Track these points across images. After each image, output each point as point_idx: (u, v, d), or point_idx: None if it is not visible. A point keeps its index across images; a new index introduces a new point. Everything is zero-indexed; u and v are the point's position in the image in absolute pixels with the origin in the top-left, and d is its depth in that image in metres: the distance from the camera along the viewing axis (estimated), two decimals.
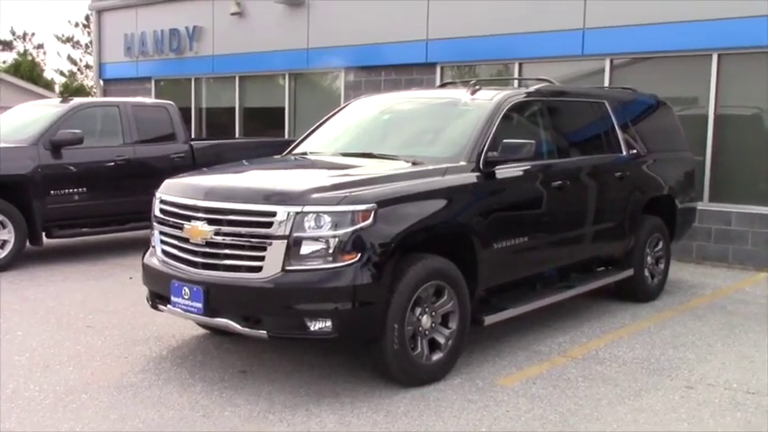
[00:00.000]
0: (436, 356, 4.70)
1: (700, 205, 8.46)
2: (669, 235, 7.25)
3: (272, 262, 4.28)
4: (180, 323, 5.70)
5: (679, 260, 8.84)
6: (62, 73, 42.04)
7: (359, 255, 4.25)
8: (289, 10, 12.79)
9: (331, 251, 4.24)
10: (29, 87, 27.90)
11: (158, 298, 4.86)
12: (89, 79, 38.16)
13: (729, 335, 5.89)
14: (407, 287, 4.43)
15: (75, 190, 8.61)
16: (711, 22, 8.80)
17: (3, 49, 42.39)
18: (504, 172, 5.22)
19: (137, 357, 5.14)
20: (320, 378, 4.75)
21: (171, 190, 4.91)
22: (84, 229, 8.82)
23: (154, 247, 4.98)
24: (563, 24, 9.86)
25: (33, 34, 54.79)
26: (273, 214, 4.29)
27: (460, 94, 5.85)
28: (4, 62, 37.65)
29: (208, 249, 4.51)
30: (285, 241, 4.26)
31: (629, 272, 6.63)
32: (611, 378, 4.84)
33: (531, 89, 5.97)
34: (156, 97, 14.71)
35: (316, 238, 4.26)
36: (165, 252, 4.82)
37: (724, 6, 8.70)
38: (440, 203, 4.70)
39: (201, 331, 5.63)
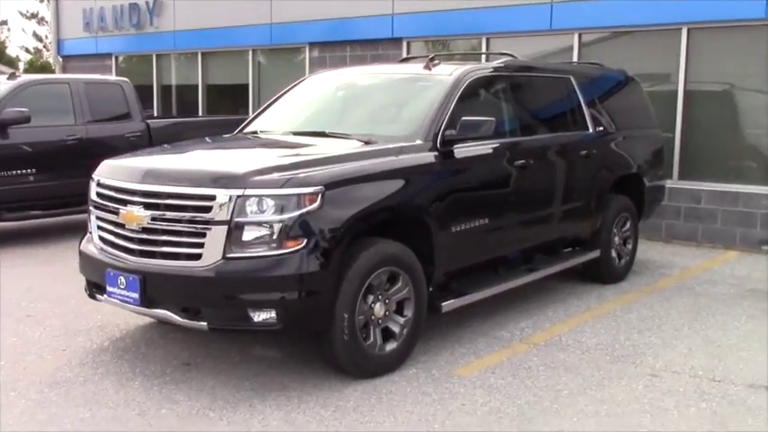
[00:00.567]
0: (390, 346, 4.46)
1: (669, 183, 8.28)
2: (637, 214, 7.06)
3: (212, 249, 4.00)
4: (126, 312, 5.40)
5: (648, 239, 8.68)
6: (27, 50, 41.00)
7: (305, 241, 3.99)
8: None
9: (275, 237, 3.97)
10: None
11: (96, 287, 4.57)
12: None
13: (696, 318, 5.72)
14: (358, 274, 4.18)
15: (24, 171, 8.25)
16: None
17: None
18: (463, 151, 4.97)
19: (76, 350, 4.85)
20: (269, 369, 4.50)
21: (108, 172, 4.61)
22: (34, 212, 8.45)
23: (91, 233, 4.68)
24: None
25: None
26: (213, 198, 4.01)
27: (419, 69, 5.58)
28: None
29: (145, 236, 4.22)
30: (226, 227, 3.98)
31: (596, 253, 6.43)
32: (574, 366, 4.64)
33: (493, 64, 5.70)
34: (117, 74, 14.25)
35: (259, 224, 3.99)
36: (101, 239, 4.53)
37: None
38: (393, 185, 4.45)
39: (148, 320, 5.34)
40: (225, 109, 12.97)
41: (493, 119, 4.85)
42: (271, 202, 3.97)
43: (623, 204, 6.75)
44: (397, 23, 10.85)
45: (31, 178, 8.26)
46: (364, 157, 4.46)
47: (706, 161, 8.80)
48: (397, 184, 4.46)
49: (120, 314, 5.46)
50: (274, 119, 5.73)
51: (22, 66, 35.25)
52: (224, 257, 3.99)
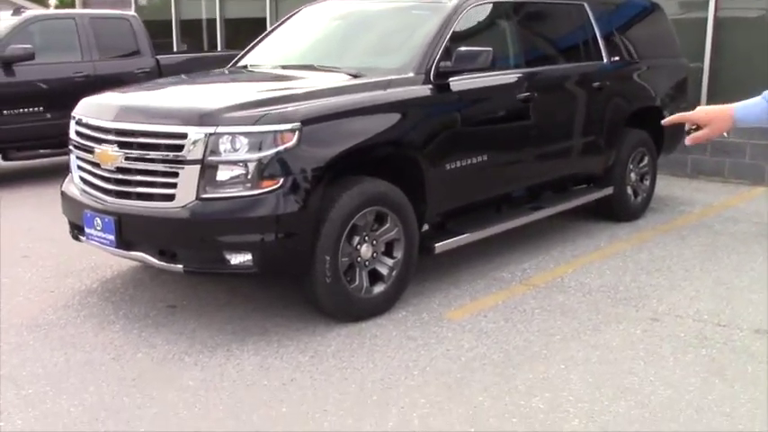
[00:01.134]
0: (378, 289, 4.30)
1: None
2: (657, 149, 6.72)
3: (186, 189, 3.84)
4: None
5: (673, 175, 8.34)
6: None
7: (281, 180, 3.81)
8: None
9: (250, 177, 3.80)
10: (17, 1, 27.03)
11: (77, 229, 4.47)
12: None
13: (711, 258, 5.44)
14: (341, 215, 4.00)
15: (31, 109, 8.16)
16: None
17: None
18: (460, 84, 4.70)
19: (64, 291, 4.79)
20: (253, 312, 4.39)
21: (85, 110, 4.46)
22: (42, 151, 8.40)
23: (72, 173, 4.55)
24: None
25: None
26: (184, 136, 3.83)
27: None
28: None
29: (120, 176, 4.08)
30: (199, 166, 3.81)
31: (609, 190, 6.14)
32: (571, 309, 4.43)
33: None
34: (137, 11, 14.01)
35: (233, 163, 3.81)
36: (81, 179, 4.40)
37: None
38: (378, 121, 4.22)
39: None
40: (244, 44, 12.67)
41: (490, 49, 4.55)
42: (244, 140, 3.78)
43: (640, 139, 6.41)
44: None
45: (39, 116, 8.17)
46: (347, 91, 4.23)
47: (735, 92, 8.22)
48: (382, 119, 4.24)
49: (114, 255, 5.38)
50: (267, 52, 5.49)
51: (53, 2, 35.12)
52: (198, 198, 3.83)
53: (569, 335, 4.07)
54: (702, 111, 2.29)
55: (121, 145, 4.03)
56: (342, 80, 4.44)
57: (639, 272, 5.12)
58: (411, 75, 4.50)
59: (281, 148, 3.80)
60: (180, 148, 3.83)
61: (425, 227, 4.63)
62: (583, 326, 4.20)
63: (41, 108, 8.22)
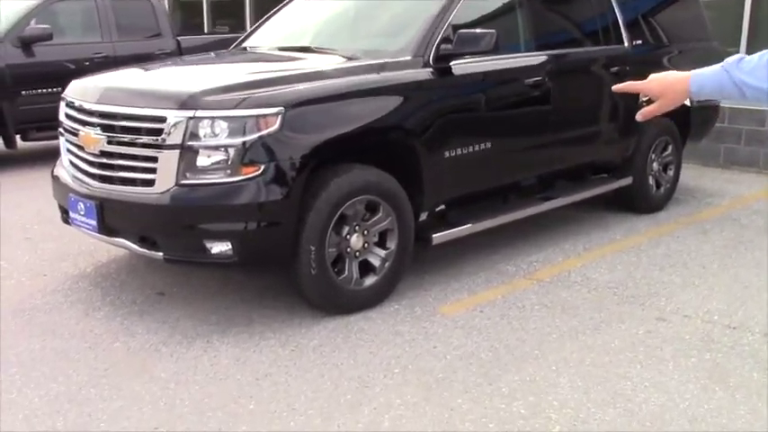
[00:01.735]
0: (369, 281, 4.14)
1: (729, 103, 7.50)
2: (682, 138, 6.40)
3: (165, 175, 3.72)
4: None
5: (705, 165, 7.99)
6: None
7: (262, 167, 3.66)
8: None
9: (230, 163, 3.65)
10: None
11: (66, 212, 4.38)
12: None
13: (731, 253, 5.15)
14: (328, 204, 3.83)
15: (51, 90, 8.11)
16: None
17: None
18: (463, 67, 4.48)
19: (56, 275, 4.72)
20: (242, 302, 4.26)
21: (73, 91, 4.36)
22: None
23: (62, 156, 4.47)
24: None
25: None
26: (163, 120, 3.70)
27: None
28: None
29: (104, 160, 3.97)
30: (178, 151, 3.68)
31: (627, 180, 5.86)
32: (573, 307, 4.21)
33: None
34: None
35: (213, 148, 3.67)
36: (70, 162, 4.31)
37: None
38: (368, 106, 4.03)
39: None
40: None
41: (494, 31, 4.32)
42: (224, 125, 3.64)
43: (663, 127, 6.09)
44: None
45: (58, 97, 8.10)
46: (337, 74, 4.05)
47: None
48: (374, 104, 4.05)
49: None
50: (268, 33, 5.33)
51: None
52: (177, 184, 3.70)
53: (566, 334, 3.86)
54: (655, 80, 1.97)
55: (104, 128, 3.93)
56: (335, 63, 4.26)
57: (652, 267, 4.86)
58: (408, 58, 4.30)
59: (262, 133, 3.64)
60: (159, 132, 3.70)
61: (423, 217, 4.44)
62: (582, 325, 3.98)
63: (60, 89, 8.14)
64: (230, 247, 3.69)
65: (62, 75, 8.15)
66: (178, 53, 8.96)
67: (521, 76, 4.86)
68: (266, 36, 5.30)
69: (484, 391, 3.26)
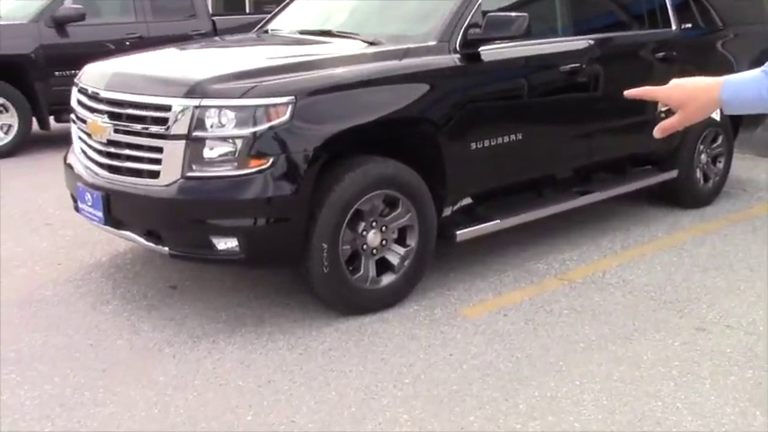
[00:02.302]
0: (387, 279, 3.91)
1: None
2: (734, 128, 6.01)
3: (171, 167, 3.53)
4: None
5: (760, 155, 7.52)
6: None
7: (270, 160, 3.45)
8: None
9: (236, 155, 3.45)
10: None
11: (76, 201, 4.25)
12: None
13: None
14: (341, 199, 3.61)
15: None
16: None
17: None
18: (492, 53, 4.20)
19: (71, 264, 4.61)
20: (255, 298, 4.08)
21: (85, 76, 4.21)
22: None
23: (73, 143, 4.33)
24: None
25: None
26: (168, 108, 3.51)
27: None
28: None
29: (112, 149, 3.81)
30: (184, 142, 3.49)
31: (672, 174, 5.51)
32: (606, 312, 3.93)
33: None
34: None
35: (221, 139, 3.48)
36: (81, 150, 4.16)
37: None
38: (389, 94, 3.79)
39: None
40: None
41: (525, 15, 4.02)
42: (230, 114, 3.43)
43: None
44: None
45: None
46: (354, 61, 3.81)
47: None
48: (393, 93, 3.80)
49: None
50: (293, 15, 5.11)
51: None
52: (183, 176, 3.52)
53: (595, 343, 3.59)
54: (678, 87, 1.59)
55: (111, 116, 3.76)
56: (354, 48, 4.02)
57: (694, 269, 4.53)
58: (433, 43, 4.03)
59: (271, 123, 3.43)
60: (164, 121, 3.52)
61: (447, 212, 4.18)
62: (613, 333, 3.70)
63: None
64: (236, 243, 3.49)
65: (96, 56, 8.04)
66: (213, 33, 8.81)
67: (556, 62, 4.55)
68: (290, 19, 5.08)
69: (499, 408, 3.02)
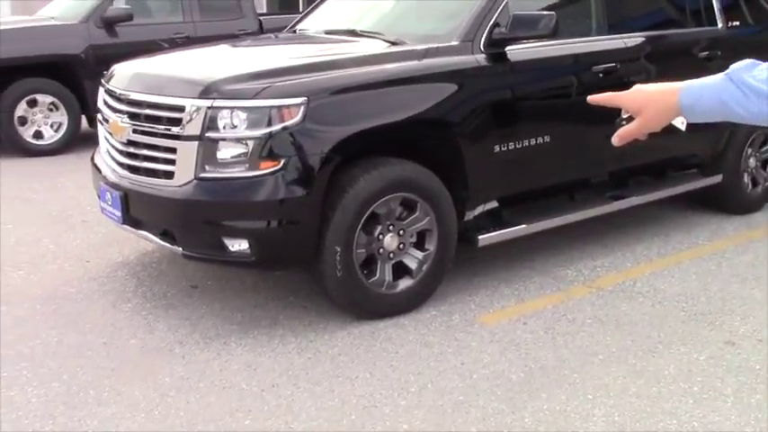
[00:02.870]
0: (404, 284, 3.84)
1: None
2: None
3: (184, 167, 3.53)
4: None
5: None
6: None
7: (282, 162, 3.41)
8: None
9: (248, 156, 3.43)
10: None
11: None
12: None
13: None
14: (356, 201, 3.55)
15: None
16: None
17: None
18: (519, 53, 4.09)
19: (98, 262, 4.67)
20: (272, 299, 4.06)
21: (111, 76, 4.25)
22: None
23: (100, 143, 4.38)
24: None
25: None
26: (182, 109, 3.51)
27: None
28: None
29: (132, 149, 3.84)
30: (197, 142, 3.48)
31: (716, 179, 5.27)
32: (630, 322, 3.77)
33: None
34: None
35: (234, 140, 3.46)
36: (106, 150, 4.21)
37: None
38: (406, 96, 3.71)
39: None
40: None
41: (553, 13, 3.90)
42: (243, 115, 3.41)
43: None
44: None
45: None
46: (372, 61, 3.74)
47: None
48: (411, 94, 3.72)
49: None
50: (322, 14, 5.08)
51: None
52: (196, 177, 3.51)
53: (614, 356, 3.44)
54: (638, 92, 1.49)
55: (131, 116, 3.79)
56: (375, 48, 3.96)
57: (732, 279, 4.33)
58: (455, 43, 3.94)
59: (283, 124, 3.39)
60: (178, 121, 3.52)
61: (469, 216, 4.08)
62: (636, 345, 3.55)
63: None
64: (247, 245, 3.47)
65: (144, 56, 8.26)
66: (260, 33, 8.85)
67: (588, 61, 4.39)
68: (319, 18, 5.05)
69: (503, 421, 2.92)
